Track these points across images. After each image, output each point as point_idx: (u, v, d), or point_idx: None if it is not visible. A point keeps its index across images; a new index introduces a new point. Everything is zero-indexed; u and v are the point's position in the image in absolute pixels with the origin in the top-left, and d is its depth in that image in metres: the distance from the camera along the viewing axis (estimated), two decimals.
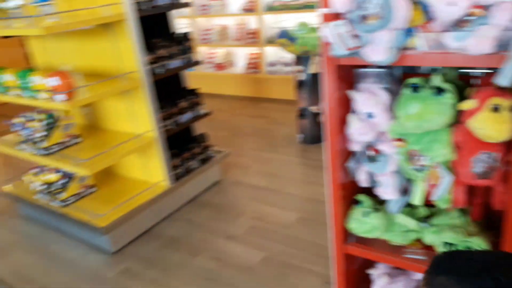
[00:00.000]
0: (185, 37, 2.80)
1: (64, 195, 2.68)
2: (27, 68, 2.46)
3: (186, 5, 2.79)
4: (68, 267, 2.53)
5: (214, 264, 2.42)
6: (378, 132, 1.25)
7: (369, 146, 1.28)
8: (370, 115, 1.21)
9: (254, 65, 5.36)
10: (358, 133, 1.23)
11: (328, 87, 1.24)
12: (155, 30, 2.68)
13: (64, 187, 2.70)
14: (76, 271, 2.49)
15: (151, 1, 2.50)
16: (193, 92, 2.98)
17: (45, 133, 2.54)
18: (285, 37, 3.47)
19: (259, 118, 4.76)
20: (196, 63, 2.92)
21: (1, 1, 2.34)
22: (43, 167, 2.81)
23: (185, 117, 2.91)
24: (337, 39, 1.06)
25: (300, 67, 3.59)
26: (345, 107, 1.29)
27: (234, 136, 4.31)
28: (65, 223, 2.75)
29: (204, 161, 3.15)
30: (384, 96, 1.20)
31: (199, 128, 3.25)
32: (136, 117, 2.71)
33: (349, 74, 1.28)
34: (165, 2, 2.61)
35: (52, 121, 2.57)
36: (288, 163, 3.59)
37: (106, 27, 2.46)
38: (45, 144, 2.53)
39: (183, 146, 3.00)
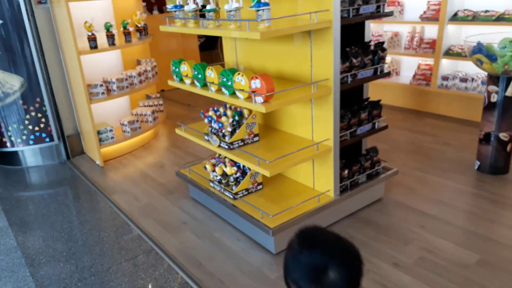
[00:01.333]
0: (380, 47, 2.67)
1: (236, 188, 2.81)
2: (224, 67, 2.60)
3: (389, 14, 2.65)
4: (232, 258, 2.64)
5: None
6: None
7: None
8: None
9: (423, 77, 4.97)
10: None
11: None
12: (350, 38, 2.60)
13: (237, 180, 2.83)
14: (239, 264, 2.58)
15: (357, 9, 2.43)
16: (375, 104, 2.84)
17: (230, 128, 2.68)
18: (481, 53, 3.08)
19: (423, 135, 4.39)
20: (386, 74, 2.77)
21: (220, 4, 2.51)
22: (221, 158, 2.98)
23: (363, 129, 2.80)
24: None
25: (494, 87, 3.17)
26: None
27: (395, 151, 4.05)
28: (233, 215, 2.89)
29: (371, 176, 3.00)
30: None
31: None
32: (316, 124, 2.69)
33: None
34: (368, 11, 2.51)
35: (238, 119, 2.69)
36: (461, 193, 3.21)
37: (306, 32, 2.47)
38: (230, 139, 2.67)
39: (352, 157, 2.90)
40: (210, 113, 2.80)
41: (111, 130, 4.20)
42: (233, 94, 2.46)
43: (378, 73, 2.75)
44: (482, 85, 4.47)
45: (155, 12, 7.18)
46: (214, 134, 2.79)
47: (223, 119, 2.66)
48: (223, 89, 2.50)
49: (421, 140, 4.28)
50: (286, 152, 2.57)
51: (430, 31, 4.98)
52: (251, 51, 3.06)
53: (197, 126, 3.19)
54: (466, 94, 4.56)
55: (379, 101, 2.88)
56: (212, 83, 2.57)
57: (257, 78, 2.20)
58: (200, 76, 2.68)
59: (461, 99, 4.63)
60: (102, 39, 4.07)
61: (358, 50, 2.62)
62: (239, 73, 2.33)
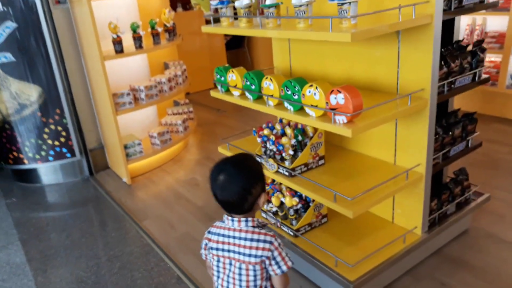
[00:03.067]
0: (479, 48, 2.11)
1: (297, 223, 2.29)
2: (291, 78, 2.08)
3: (495, 4, 2.10)
4: None
5: None
6: None
7: None
8: None
9: (488, 76, 4.34)
10: None
11: None
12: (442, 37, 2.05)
13: (298, 213, 2.32)
14: None
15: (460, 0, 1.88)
16: (468, 117, 2.29)
17: (292, 151, 2.16)
18: None
19: (495, 144, 3.79)
20: (485, 80, 2.22)
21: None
22: (276, 185, 2.46)
23: (456, 149, 2.24)
24: None
25: None
26: None
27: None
28: (291, 255, 2.37)
29: (460, 205, 2.44)
30: None
31: None
32: (401, 144, 2.14)
33: None
34: (471, 1, 1.95)
35: (301, 139, 2.17)
36: None
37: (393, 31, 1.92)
38: (290, 163, 2.15)
39: (435, 183, 2.34)
40: (266, 131, 2.28)
41: (139, 144, 3.73)
42: (299, 110, 1.94)
43: (477, 79, 2.19)
44: None
45: (179, 9, 6.69)
46: (270, 157, 2.27)
47: (284, 140, 2.14)
48: (286, 104, 1.98)
49: (495, 151, 3.68)
50: (365, 181, 2.03)
51: (494, 23, 4.35)
52: (307, 54, 2.53)
53: (242, 143, 2.69)
54: None
55: (473, 113, 2.32)
56: (272, 96, 2.04)
57: (339, 92, 1.67)
58: (253, 87, 2.16)
59: None
60: (126, 41, 3.59)
61: (454, 52, 2.07)
62: (311, 85, 1.80)
